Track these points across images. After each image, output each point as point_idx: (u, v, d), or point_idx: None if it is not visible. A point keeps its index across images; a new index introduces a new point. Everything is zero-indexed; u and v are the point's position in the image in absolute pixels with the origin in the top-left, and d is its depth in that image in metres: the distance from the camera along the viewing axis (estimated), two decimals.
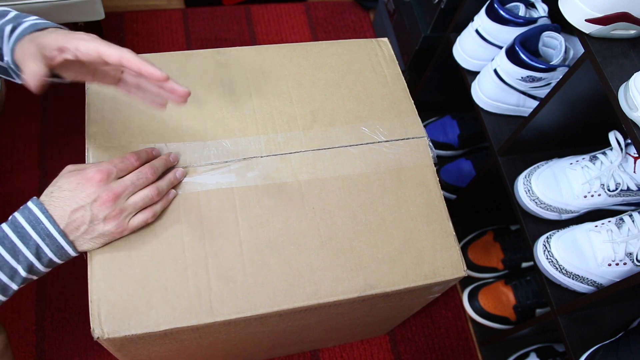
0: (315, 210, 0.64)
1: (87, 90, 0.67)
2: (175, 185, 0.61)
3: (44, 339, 0.97)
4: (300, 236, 0.62)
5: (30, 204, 0.53)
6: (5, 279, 0.52)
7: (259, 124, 0.68)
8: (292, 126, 0.69)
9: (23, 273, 0.53)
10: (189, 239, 0.59)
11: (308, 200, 0.64)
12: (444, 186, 1.15)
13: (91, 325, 0.54)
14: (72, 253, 0.55)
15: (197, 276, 0.58)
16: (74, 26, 1.02)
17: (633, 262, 0.73)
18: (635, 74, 0.62)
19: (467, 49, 0.94)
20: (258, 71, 0.72)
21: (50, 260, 0.54)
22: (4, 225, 0.52)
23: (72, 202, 0.53)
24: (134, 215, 0.57)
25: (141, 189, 0.57)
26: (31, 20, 0.55)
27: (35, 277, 0.55)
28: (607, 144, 0.79)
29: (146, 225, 0.59)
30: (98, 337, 0.54)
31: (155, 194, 0.58)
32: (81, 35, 0.50)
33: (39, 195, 0.55)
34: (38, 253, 0.53)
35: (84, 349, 0.97)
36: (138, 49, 1.30)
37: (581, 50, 0.70)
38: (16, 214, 0.53)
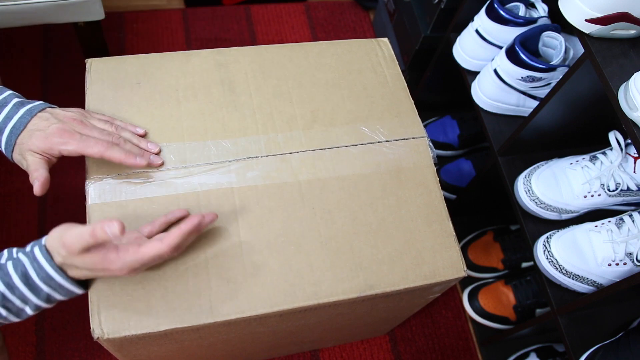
0: (315, 210, 0.64)
1: (87, 90, 0.67)
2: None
3: (44, 339, 0.97)
4: (300, 236, 0.62)
5: (49, 268, 0.51)
6: (12, 318, 0.53)
7: (259, 124, 0.68)
8: (292, 126, 0.68)
9: (30, 312, 0.54)
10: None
11: (308, 200, 0.64)
12: (444, 186, 1.15)
13: (91, 325, 0.54)
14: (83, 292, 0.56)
15: (197, 276, 0.58)
16: (74, 26, 1.02)
17: (633, 262, 0.73)
18: (635, 74, 0.62)
19: (467, 49, 0.94)
20: (258, 71, 0.72)
21: (61, 301, 0.55)
22: (15, 278, 0.51)
23: (91, 275, 0.53)
24: None
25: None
26: (8, 127, 0.57)
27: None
28: (607, 144, 0.79)
29: None
30: (98, 337, 0.54)
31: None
32: (61, 138, 0.56)
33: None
34: (49, 299, 0.53)
35: (84, 349, 0.97)
36: (138, 49, 1.30)
37: (581, 50, 0.70)
38: (30, 271, 0.51)
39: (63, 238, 0.49)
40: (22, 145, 0.57)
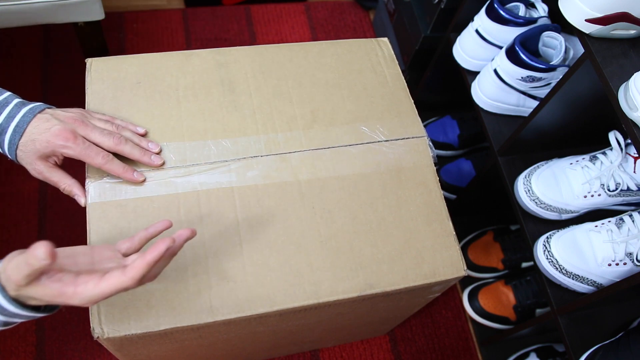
0: (315, 210, 0.64)
1: (87, 90, 0.67)
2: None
3: (44, 339, 0.97)
4: (300, 236, 0.62)
5: (3, 301, 0.45)
6: None
7: (259, 124, 0.68)
8: (292, 126, 0.69)
9: None
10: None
11: (308, 200, 0.64)
12: (444, 186, 1.15)
13: (91, 325, 0.54)
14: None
15: (197, 276, 0.58)
16: (74, 26, 1.02)
17: (633, 262, 0.73)
18: (635, 74, 0.62)
19: (467, 49, 0.94)
20: (258, 71, 0.72)
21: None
22: None
23: (54, 303, 0.47)
24: None
25: None
26: (11, 126, 0.57)
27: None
28: (607, 144, 0.79)
29: None
30: (98, 337, 0.54)
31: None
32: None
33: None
34: (7, 324, 0.49)
35: (84, 349, 0.97)
36: (138, 49, 1.30)
37: (581, 50, 0.70)
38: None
39: (7, 271, 0.44)
40: (26, 150, 0.57)
